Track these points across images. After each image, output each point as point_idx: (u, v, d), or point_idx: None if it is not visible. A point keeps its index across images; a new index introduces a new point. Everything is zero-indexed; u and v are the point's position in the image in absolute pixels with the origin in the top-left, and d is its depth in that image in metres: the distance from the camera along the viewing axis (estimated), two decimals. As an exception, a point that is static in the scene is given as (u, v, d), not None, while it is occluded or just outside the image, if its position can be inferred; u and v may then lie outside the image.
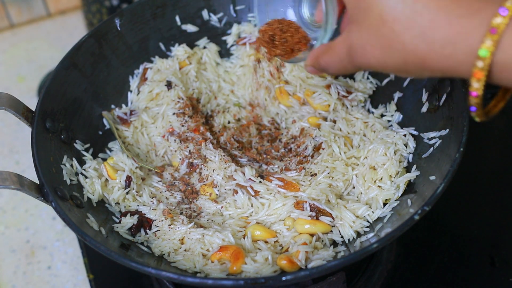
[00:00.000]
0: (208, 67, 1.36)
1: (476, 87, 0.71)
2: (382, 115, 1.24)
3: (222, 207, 1.13)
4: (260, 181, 1.13)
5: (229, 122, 1.31)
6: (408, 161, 1.12)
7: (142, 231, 1.08)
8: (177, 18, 1.35)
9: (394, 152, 1.12)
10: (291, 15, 1.09)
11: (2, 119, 1.67)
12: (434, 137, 1.07)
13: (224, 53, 1.40)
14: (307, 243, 1.01)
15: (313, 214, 1.05)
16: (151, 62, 1.34)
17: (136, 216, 1.09)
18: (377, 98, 1.27)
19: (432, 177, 0.99)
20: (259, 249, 1.03)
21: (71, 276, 1.33)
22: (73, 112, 1.19)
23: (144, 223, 1.09)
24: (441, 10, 0.71)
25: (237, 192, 1.13)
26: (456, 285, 1.20)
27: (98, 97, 1.26)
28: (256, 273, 0.96)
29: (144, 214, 1.10)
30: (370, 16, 0.77)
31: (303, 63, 1.04)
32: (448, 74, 0.75)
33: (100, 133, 1.25)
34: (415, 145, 1.12)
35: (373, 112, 1.25)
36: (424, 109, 1.13)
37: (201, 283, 0.89)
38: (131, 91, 1.32)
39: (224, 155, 1.18)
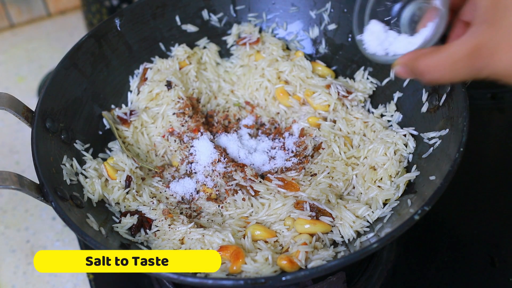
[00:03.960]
0: (208, 67, 1.36)
1: None
2: (382, 115, 1.24)
3: (222, 207, 1.13)
4: (260, 181, 1.13)
5: (229, 122, 1.31)
6: (408, 161, 1.12)
7: (142, 231, 1.08)
8: (177, 18, 1.35)
9: (394, 152, 1.11)
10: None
11: (2, 119, 1.67)
12: (434, 137, 1.07)
13: (224, 53, 1.40)
14: (307, 243, 1.01)
15: (313, 214, 1.05)
16: (151, 62, 1.34)
17: (136, 216, 1.09)
18: (377, 98, 1.27)
19: (432, 177, 0.99)
20: (259, 249, 1.03)
21: (71, 276, 1.33)
22: (73, 112, 1.19)
23: (144, 223, 1.09)
24: None
25: (237, 192, 1.13)
26: (456, 285, 1.20)
27: (98, 97, 1.26)
28: (256, 273, 0.96)
29: (144, 214, 1.10)
30: (510, 16, 0.75)
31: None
32: None
33: (100, 133, 1.25)
34: (415, 145, 1.12)
35: (373, 112, 1.25)
36: (424, 109, 1.13)
37: (201, 283, 0.89)
38: (131, 91, 1.32)
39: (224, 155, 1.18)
